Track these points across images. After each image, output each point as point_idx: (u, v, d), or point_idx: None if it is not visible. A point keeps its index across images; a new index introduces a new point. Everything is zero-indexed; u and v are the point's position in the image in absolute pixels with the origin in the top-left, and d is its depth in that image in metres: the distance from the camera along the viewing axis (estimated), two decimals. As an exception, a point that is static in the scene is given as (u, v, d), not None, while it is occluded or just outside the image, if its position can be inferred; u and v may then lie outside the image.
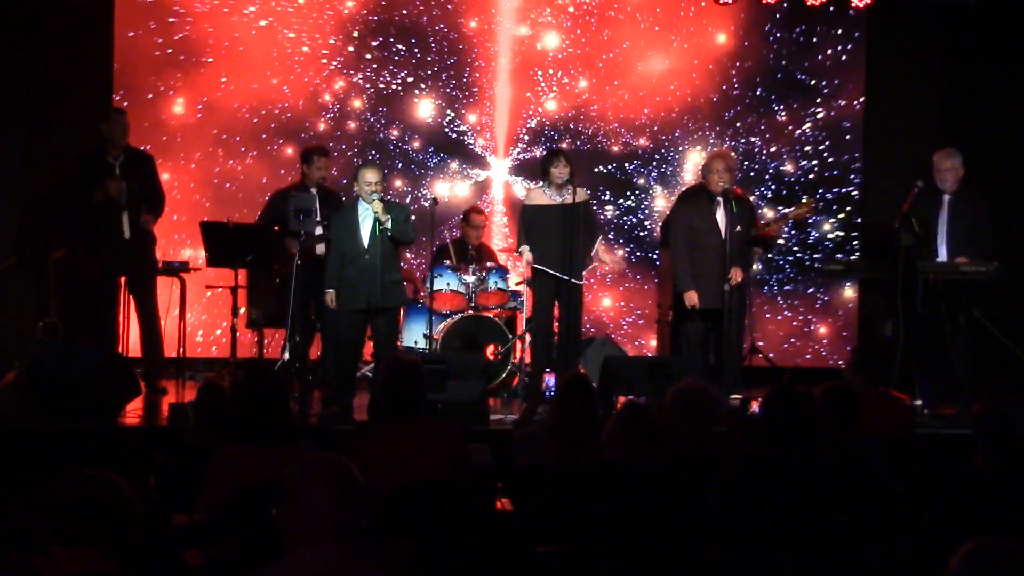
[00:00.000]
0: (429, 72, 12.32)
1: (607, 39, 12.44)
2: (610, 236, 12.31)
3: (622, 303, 12.56)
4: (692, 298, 9.95)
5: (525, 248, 10.05)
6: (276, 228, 10.25)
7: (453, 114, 12.36)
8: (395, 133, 12.30)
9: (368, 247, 9.43)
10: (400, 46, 12.26)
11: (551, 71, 12.43)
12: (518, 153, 12.38)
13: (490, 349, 10.79)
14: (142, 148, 10.74)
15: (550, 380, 10.17)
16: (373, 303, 9.44)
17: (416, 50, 12.29)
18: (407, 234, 9.70)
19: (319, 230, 10.13)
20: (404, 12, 12.23)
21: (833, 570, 4.76)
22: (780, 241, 11.90)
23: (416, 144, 12.32)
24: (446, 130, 12.38)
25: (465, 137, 12.40)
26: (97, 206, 10.07)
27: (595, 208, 11.16)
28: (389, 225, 9.37)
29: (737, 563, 4.65)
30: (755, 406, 8.30)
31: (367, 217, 9.43)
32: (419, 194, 12.28)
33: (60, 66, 11.51)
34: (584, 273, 10.09)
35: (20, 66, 11.44)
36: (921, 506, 5.60)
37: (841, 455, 5.80)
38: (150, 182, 10.42)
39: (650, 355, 12.02)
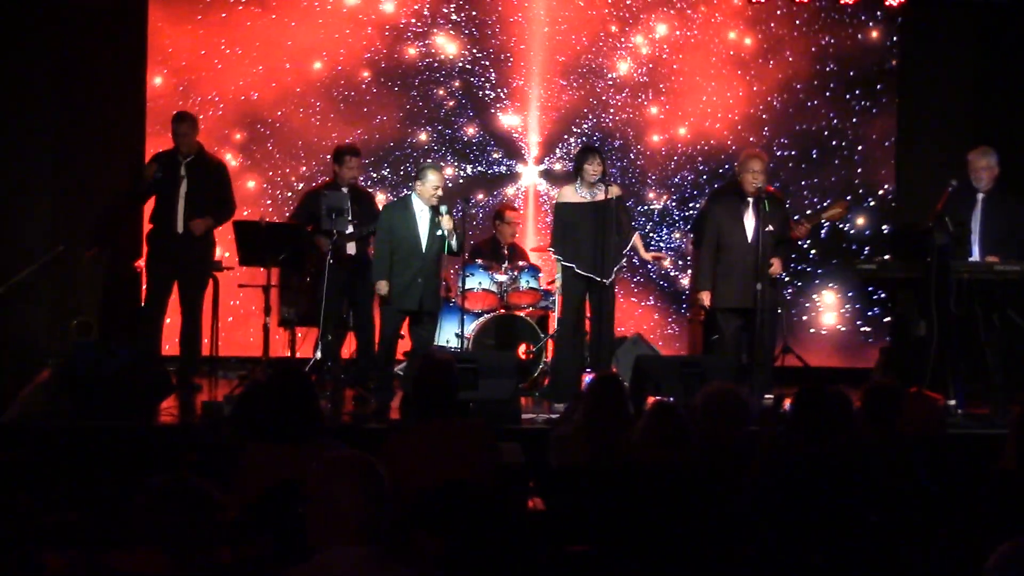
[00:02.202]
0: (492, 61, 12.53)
1: (664, 70, 12.59)
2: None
3: (654, 302, 12.57)
4: (704, 299, 10.01)
5: (553, 256, 10.06)
6: (309, 228, 10.27)
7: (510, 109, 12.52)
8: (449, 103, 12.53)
9: (427, 250, 9.54)
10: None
11: (611, 89, 12.57)
12: (552, 161, 12.42)
13: (522, 348, 10.78)
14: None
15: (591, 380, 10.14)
16: (425, 306, 9.55)
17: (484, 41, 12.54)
18: (463, 245, 9.86)
19: (350, 229, 10.15)
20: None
21: (864, 570, 4.73)
22: (808, 241, 11.84)
23: (470, 129, 12.51)
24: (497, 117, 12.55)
25: (513, 132, 12.53)
26: (142, 193, 10.22)
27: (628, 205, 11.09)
28: (455, 241, 9.53)
29: (767, 563, 4.63)
30: (787, 405, 8.26)
31: (424, 217, 9.54)
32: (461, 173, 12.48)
33: (93, 63, 11.61)
34: (615, 271, 10.02)
35: (53, 64, 11.52)
36: (955, 507, 5.56)
37: (880, 455, 5.76)
38: (219, 187, 10.50)
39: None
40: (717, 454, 5.73)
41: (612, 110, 12.51)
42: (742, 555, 4.76)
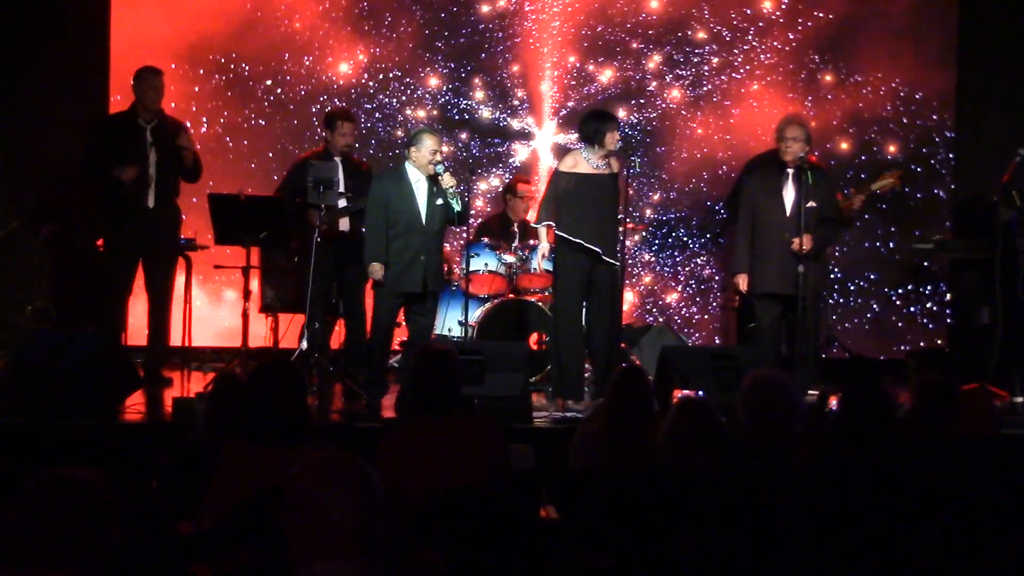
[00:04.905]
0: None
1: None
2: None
3: (683, 287, 12.57)
4: (741, 282, 10.01)
5: (543, 225, 9.89)
6: (298, 200, 10.24)
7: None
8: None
9: (427, 223, 9.50)
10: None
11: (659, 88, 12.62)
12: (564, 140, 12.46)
13: (534, 338, 10.77)
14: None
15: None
16: (430, 287, 9.53)
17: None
18: (467, 210, 9.83)
19: (342, 203, 10.10)
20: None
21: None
22: (862, 216, 11.79)
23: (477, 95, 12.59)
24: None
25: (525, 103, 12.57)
26: (115, 183, 10.17)
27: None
28: (458, 204, 9.49)
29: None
30: (833, 403, 8.25)
31: (422, 187, 9.50)
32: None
33: (54, 33, 11.61)
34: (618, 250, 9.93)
35: (11, 33, 11.53)
36: (1021, 514, 5.55)
37: (936, 457, 5.76)
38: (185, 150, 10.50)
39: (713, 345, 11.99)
40: (758, 450, 5.72)
41: (652, 108, 12.51)
42: (781, 572, 4.76)
